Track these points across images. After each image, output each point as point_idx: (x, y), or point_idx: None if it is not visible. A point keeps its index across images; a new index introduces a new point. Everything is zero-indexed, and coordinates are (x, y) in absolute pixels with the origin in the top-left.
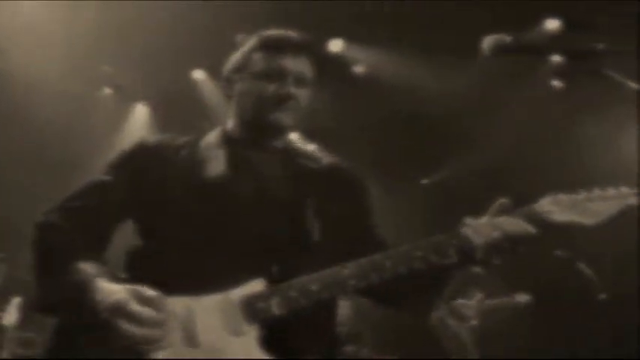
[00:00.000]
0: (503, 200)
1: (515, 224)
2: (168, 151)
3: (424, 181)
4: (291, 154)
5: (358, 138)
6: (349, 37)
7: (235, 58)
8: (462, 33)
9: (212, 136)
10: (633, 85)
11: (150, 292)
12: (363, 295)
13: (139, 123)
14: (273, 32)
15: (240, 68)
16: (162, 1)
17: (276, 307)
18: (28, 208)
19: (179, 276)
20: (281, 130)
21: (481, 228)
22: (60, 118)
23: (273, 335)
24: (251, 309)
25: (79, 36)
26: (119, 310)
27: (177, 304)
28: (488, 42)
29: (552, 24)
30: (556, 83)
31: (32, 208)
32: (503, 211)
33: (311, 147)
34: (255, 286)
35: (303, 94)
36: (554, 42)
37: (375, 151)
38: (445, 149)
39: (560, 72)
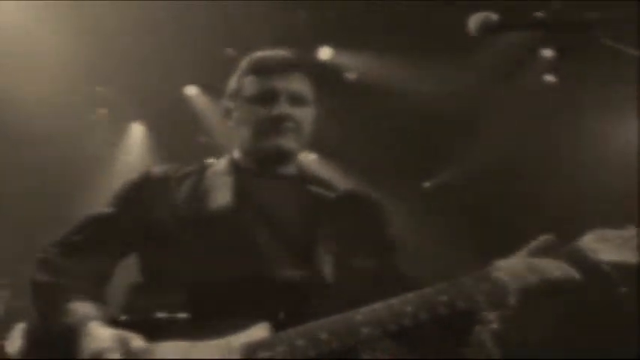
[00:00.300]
0: (547, 237)
1: (557, 268)
2: (172, 181)
3: (426, 184)
4: (304, 181)
5: (357, 144)
6: (337, 44)
7: (230, 84)
8: (452, 33)
9: (219, 165)
10: (633, 51)
11: (137, 343)
12: (380, 340)
13: (136, 142)
14: (261, 53)
15: (235, 94)
16: (149, 19)
17: (281, 357)
18: (29, 234)
19: (178, 317)
20: (285, 155)
21: (517, 271)
22: (58, 140)
23: None
24: (253, 358)
25: (70, 57)
26: None
27: (174, 350)
28: (474, 21)
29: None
30: (549, 78)
31: (33, 234)
32: (545, 249)
33: (326, 173)
34: (259, 331)
35: (302, 114)
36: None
37: (375, 156)
38: (445, 151)
39: (552, 67)
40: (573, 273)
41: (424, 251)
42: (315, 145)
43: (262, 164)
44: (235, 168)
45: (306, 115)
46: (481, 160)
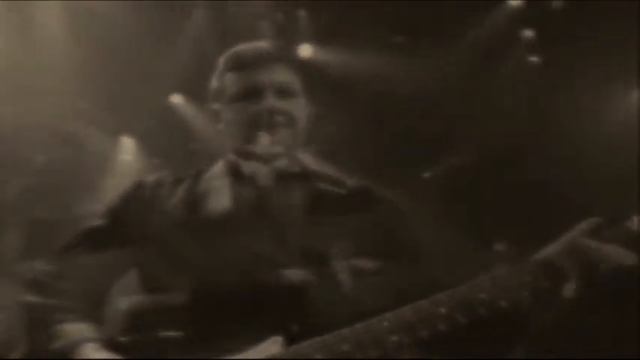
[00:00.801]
0: (595, 219)
1: (615, 252)
2: (166, 187)
3: (426, 175)
4: (308, 179)
5: (355, 139)
6: (316, 40)
7: (211, 85)
8: (435, 21)
9: (216, 167)
10: None
11: None
12: (411, 350)
13: (127, 156)
14: (238, 48)
15: (218, 95)
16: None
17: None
18: (29, 251)
19: (180, 336)
20: (282, 153)
21: (572, 259)
22: (49, 162)
23: None
24: None
25: (49, 76)
26: None
27: None
28: None
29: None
30: (533, 59)
31: (33, 251)
32: (594, 233)
33: (331, 169)
34: (271, 347)
35: (293, 106)
36: None
37: (372, 151)
38: (441, 139)
39: (534, 47)
40: (633, 257)
41: (427, 239)
42: (313, 141)
43: (260, 164)
44: (232, 169)
45: (297, 107)
46: (478, 146)
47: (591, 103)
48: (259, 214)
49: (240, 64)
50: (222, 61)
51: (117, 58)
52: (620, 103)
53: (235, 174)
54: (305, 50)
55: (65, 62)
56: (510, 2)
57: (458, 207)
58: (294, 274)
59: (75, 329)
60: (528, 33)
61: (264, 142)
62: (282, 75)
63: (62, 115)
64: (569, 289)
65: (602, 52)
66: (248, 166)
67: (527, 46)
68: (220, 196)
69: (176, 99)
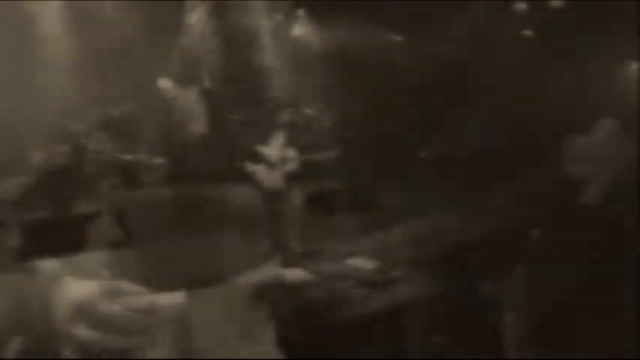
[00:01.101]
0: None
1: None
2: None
3: (422, 155)
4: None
5: (350, 119)
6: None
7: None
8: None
9: (188, 94)
10: None
11: (131, 286)
12: (425, 266)
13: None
14: None
15: (198, 23)
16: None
17: (307, 292)
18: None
19: (172, 265)
20: (262, 74)
21: (596, 160)
22: (49, 162)
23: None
24: (267, 297)
25: (50, 76)
26: (83, 313)
27: (167, 301)
28: None
29: None
30: (527, 32)
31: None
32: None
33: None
34: (269, 269)
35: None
36: None
37: (369, 129)
38: (436, 119)
39: (526, 20)
40: None
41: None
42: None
43: (238, 89)
44: (207, 96)
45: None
46: (476, 127)
47: (590, 76)
48: (262, 214)
49: None
50: None
51: (117, 58)
52: (619, 74)
53: (210, 99)
54: (298, 30)
55: (65, 62)
56: None
57: (451, 184)
58: (296, 274)
59: (51, 264)
60: (520, 5)
61: (276, 143)
62: None
63: (62, 114)
64: (590, 195)
65: (602, 25)
66: (253, 168)
67: (518, 19)
68: (196, 124)
69: (164, 83)
